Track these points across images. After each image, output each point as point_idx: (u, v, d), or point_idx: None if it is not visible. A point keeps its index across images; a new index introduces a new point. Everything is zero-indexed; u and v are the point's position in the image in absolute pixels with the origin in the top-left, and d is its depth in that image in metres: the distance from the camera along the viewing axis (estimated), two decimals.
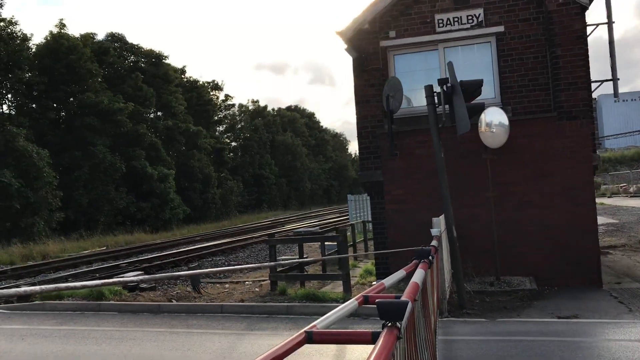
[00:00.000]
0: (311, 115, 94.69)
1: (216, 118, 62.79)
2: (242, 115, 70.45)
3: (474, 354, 6.81)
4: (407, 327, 3.59)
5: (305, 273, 13.17)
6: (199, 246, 25.02)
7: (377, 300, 2.98)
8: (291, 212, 62.84)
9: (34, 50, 37.86)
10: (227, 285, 13.52)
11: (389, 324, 2.78)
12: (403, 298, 3.33)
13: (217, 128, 64.16)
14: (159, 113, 49.91)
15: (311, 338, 2.80)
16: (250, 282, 13.68)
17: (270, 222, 42.27)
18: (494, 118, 10.29)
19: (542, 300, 9.59)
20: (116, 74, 45.37)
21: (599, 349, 6.88)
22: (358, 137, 12.40)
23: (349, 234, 19.73)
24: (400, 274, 5.05)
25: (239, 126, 69.11)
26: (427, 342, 5.03)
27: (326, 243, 14.58)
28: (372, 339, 2.75)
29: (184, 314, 10.38)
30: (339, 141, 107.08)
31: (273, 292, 11.68)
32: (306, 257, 15.59)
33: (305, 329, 2.82)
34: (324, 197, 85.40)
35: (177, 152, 49.37)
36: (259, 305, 10.39)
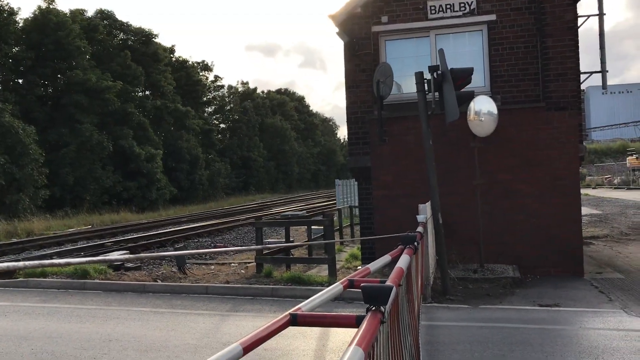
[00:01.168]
0: (301, 99, 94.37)
1: (205, 99, 62.32)
2: (232, 97, 69.98)
3: (455, 339, 6.90)
4: (390, 311, 3.63)
5: (291, 256, 13.21)
6: (185, 227, 24.98)
7: (362, 284, 3.01)
8: (279, 195, 62.83)
9: (21, 24, 37.25)
10: (212, 267, 13.53)
11: (373, 308, 2.81)
12: (388, 283, 3.36)
13: (206, 109, 63.69)
14: (147, 92, 49.42)
15: (295, 320, 2.83)
16: (236, 264, 13.70)
17: (257, 205, 42.24)
18: (483, 106, 10.31)
19: (525, 289, 9.71)
20: (105, 52, 44.77)
21: (579, 337, 7.00)
22: (347, 122, 12.40)
23: (335, 218, 19.78)
24: (385, 259, 5.09)
25: (228, 108, 68.65)
26: (410, 326, 5.08)
27: (312, 227, 14.62)
28: (356, 322, 2.78)
29: (168, 294, 10.39)
30: (328, 126, 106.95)
31: (258, 275, 11.71)
32: (292, 241, 15.63)
33: (290, 311, 2.84)
34: (312, 182, 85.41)
35: (165, 132, 49.02)
36: (244, 287, 10.42)
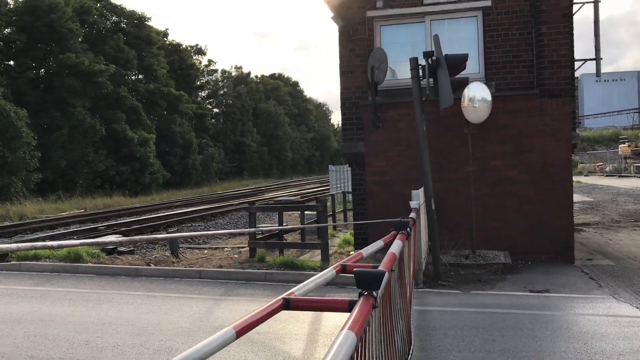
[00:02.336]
0: (295, 84, 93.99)
1: (198, 83, 61.91)
2: (225, 81, 69.63)
3: (447, 324, 6.97)
4: (383, 296, 3.66)
5: (285, 241, 13.25)
6: (178, 212, 24.97)
7: (354, 269, 3.03)
8: (272, 180, 62.84)
9: (12, 6, 36.81)
10: (205, 251, 13.56)
11: (366, 293, 2.83)
12: (380, 268, 3.39)
13: (200, 93, 63.32)
14: (140, 76, 49.03)
15: (288, 305, 2.85)
16: (229, 249, 13.73)
17: (250, 190, 42.24)
18: (477, 93, 10.32)
19: (516, 274, 9.80)
20: (97, 35, 44.37)
21: (568, 323, 7.08)
22: (341, 107, 12.37)
23: (329, 204, 19.82)
24: (378, 244, 5.12)
25: (222, 92, 68.34)
26: (402, 311, 5.13)
27: (306, 212, 14.64)
28: (348, 307, 2.81)
29: (162, 278, 10.41)
30: (322, 111, 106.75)
31: (252, 259, 11.75)
32: (285, 226, 15.66)
33: (283, 295, 2.87)
34: (306, 167, 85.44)
35: (158, 117, 48.79)
36: (237, 271, 10.45)
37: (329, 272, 3.62)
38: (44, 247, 2.29)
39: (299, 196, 30.09)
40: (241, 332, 2.36)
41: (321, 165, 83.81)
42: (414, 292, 7.81)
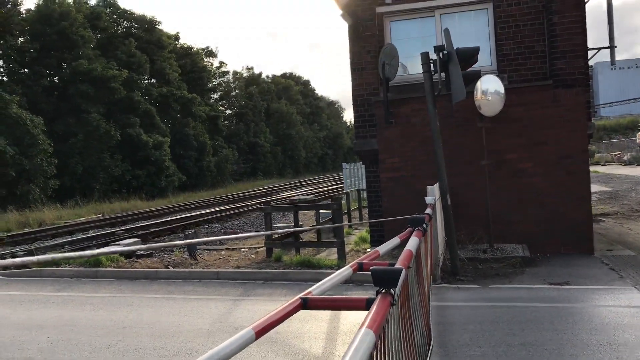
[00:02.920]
0: (306, 83, 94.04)
1: (210, 85, 62.21)
2: (237, 82, 69.87)
3: (465, 319, 6.94)
4: (400, 293, 3.66)
5: (301, 240, 13.27)
6: (194, 213, 25.12)
7: (371, 267, 3.03)
8: (286, 180, 62.94)
9: (24, 15, 37.24)
10: (223, 252, 13.62)
11: (383, 291, 2.83)
12: (397, 265, 3.38)
13: (212, 95, 63.64)
14: (152, 80, 49.42)
15: (306, 304, 2.86)
16: (246, 249, 13.78)
17: (265, 190, 42.36)
18: (490, 86, 10.24)
19: (534, 267, 9.72)
20: (109, 40, 44.76)
21: (589, 315, 7.01)
22: (353, 105, 12.35)
23: (343, 202, 19.82)
24: (394, 241, 5.11)
25: (234, 94, 68.61)
26: (420, 308, 5.12)
27: (321, 211, 14.65)
28: (366, 305, 2.80)
29: (180, 280, 10.49)
30: (334, 109, 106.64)
31: (268, 259, 11.79)
32: (301, 225, 15.69)
33: (301, 295, 2.87)
34: (319, 166, 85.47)
35: (171, 120, 49.13)
36: (254, 271, 10.49)
37: (345, 270, 3.62)
38: (64, 259, 2.32)
39: (314, 195, 30.12)
40: (260, 332, 2.37)
41: (335, 164, 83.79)
42: (432, 288, 7.79)
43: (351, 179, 27.79)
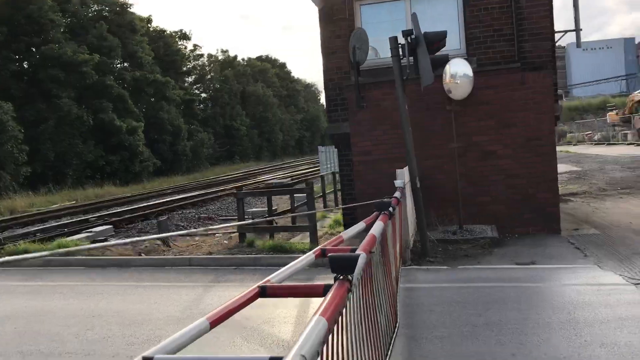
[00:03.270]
0: (282, 66, 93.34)
1: (185, 69, 61.38)
2: (212, 65, 69.08)
3: (434, 300, 7.06)
4: (362, 278, 3.71)
5: (275, 225, 13.29)
6: (169, 199, 24.96)
7: (329, 254, 3.07)
8: (263, 163, 62.75)
9: None
10: (196, 238, 13.59)
11: (341, 277, 2.87)
12: (358, 251, 3.43)
13: (186, 79, 62.85)
14: (125, 64, 48.59)
15: (265, 292, 2.89)
16: (220, 235, 13.76)
17: (242, 174, 42.20)
18: (459, 69, 10.32)
19: (503, 248, 9.90)
20: (79, 24, 43.82)
21: (553, 294, 7.20)
22: (325, 88, 12.35)
23: (319, 185, 19.88)
24: (359, 226, 5.17)
25: (209, 77, 67.85)
26: (386, 290, 5.19)
27: (295, 195, 14.67)
28: (323, 292, 2.84)
29: (152, 267, 10.45)
30: (310, 92, 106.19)
31: (241, 245, 11.80)
32: (275, 209, 15.71)
33: (259, 283, 2.91)
34: (296, 148, 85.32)
35: (145, 104, 48.46)
36: (226, 257, 10.50)
37: (308, 256, 3.67)
38: (34, 258, 2.31)
39: (290, 178, 30.10)
40: (215, 322, 2.39)
41: (312, 146, 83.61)
42: (402, 269, 7.90)
43: (327, 162, 27.75)
